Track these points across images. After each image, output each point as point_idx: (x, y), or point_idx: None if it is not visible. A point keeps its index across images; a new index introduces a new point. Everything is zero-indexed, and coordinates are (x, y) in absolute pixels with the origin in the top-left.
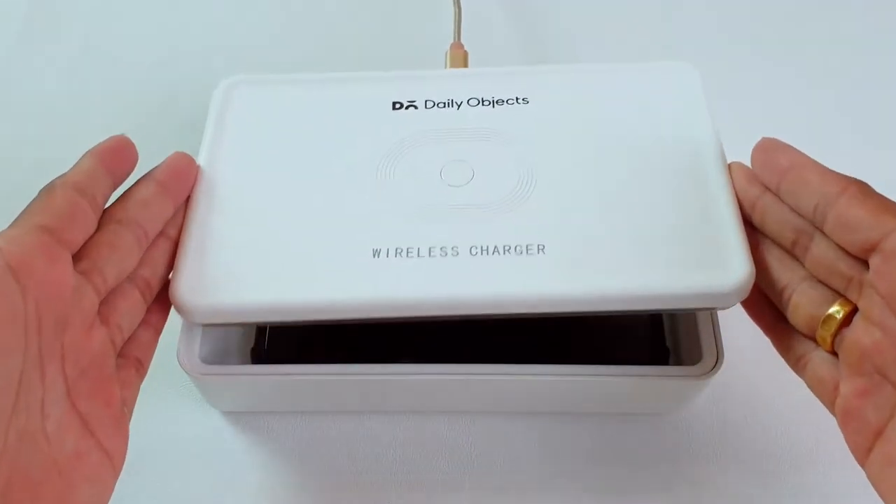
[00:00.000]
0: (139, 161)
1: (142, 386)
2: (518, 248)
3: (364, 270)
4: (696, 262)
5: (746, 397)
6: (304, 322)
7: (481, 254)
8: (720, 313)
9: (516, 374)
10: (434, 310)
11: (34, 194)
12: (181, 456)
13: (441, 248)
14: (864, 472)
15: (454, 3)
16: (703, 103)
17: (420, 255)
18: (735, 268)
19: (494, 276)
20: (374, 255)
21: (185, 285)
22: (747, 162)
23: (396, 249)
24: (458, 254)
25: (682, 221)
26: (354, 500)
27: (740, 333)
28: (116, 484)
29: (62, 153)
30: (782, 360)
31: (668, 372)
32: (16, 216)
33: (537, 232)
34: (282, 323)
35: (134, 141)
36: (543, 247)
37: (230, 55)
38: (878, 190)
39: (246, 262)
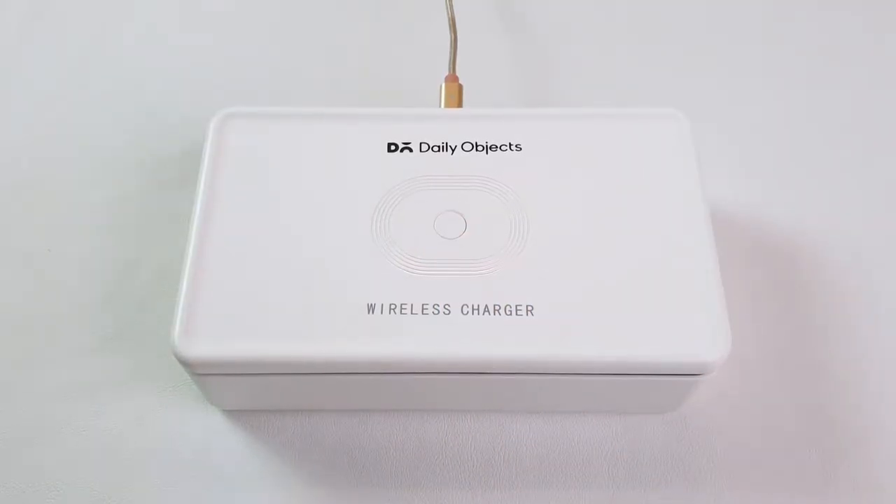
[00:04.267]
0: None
1: (140, 383)
2: (508, 308)
3: (359, 326)
4: (679, 333)
5: (748, 395)
6: (299, 373)
7: (472, 313)
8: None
9: (513, 371)
10: (425, 367)
11: (34, 193)
12: (180, 455)
13: (434, 306)
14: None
15: (450, 30)
16: (692, 156)
17: (413, 311)
18: (717, 341)
19: (484, 337)
20: (368, 311)
21: (183, 337)
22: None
23: (391, 306)
24: (449, 312)
25: (668, 288)
26: (357, 499)
27: (745, 331)
28: (114, 484)
29: (61, 153)
30: (785, 358)
31: (668, 370)
32: (14, 215)
33: (527, 292)
34: (278, 374)
35: (128, 151)
36: (532, 308)
37: (226, 62)
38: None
39: (244, 314)
